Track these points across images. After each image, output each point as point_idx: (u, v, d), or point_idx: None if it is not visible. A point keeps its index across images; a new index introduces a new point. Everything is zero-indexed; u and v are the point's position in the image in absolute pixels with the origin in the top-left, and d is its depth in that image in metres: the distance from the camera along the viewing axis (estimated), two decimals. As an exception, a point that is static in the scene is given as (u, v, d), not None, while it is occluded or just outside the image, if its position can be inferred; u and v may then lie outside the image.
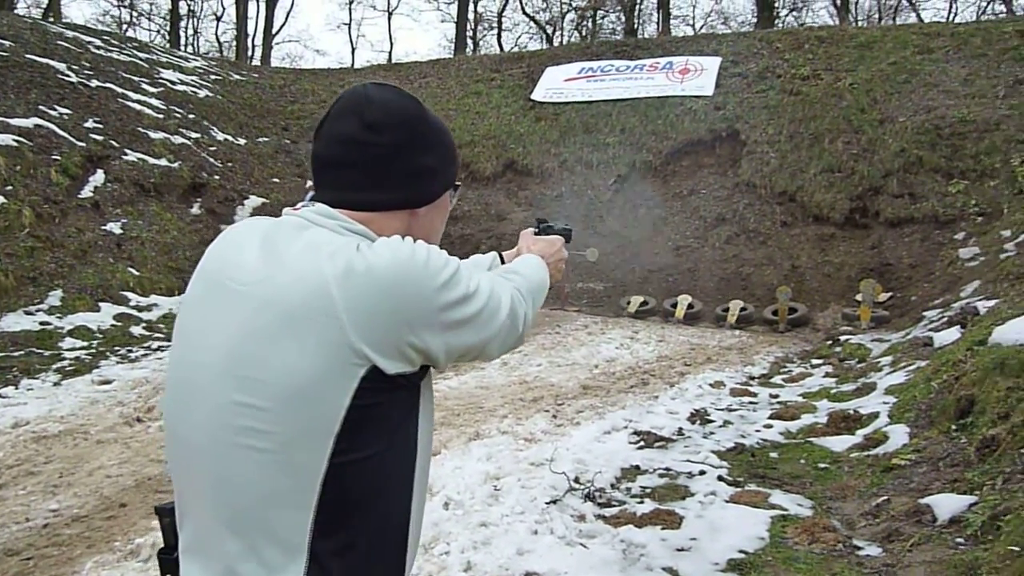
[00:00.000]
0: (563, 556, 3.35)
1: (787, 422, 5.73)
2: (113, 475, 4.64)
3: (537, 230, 1.56)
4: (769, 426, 5.69)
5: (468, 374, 7.52)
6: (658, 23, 33.01)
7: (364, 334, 0.92)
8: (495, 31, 38.19)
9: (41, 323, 8.62)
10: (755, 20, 28.59)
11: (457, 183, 1.18)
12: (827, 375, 7.53)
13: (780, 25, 28.93)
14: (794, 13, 33.24)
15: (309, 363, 0.90)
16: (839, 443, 4.99)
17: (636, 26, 33.44)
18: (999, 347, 4.62)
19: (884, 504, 3.76)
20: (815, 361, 8.36)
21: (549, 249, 1.49)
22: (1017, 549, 2.81)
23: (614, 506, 4.07)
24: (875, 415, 5.30)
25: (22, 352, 7.83)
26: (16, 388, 6.59)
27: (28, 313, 8.74)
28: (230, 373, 0.94)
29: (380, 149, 1.04)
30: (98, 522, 3.97)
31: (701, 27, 36.41)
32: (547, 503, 3.98)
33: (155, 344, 8.70)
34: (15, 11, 23.64)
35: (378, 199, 1.07)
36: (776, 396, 6.76)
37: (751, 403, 6.51)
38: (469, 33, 35.71)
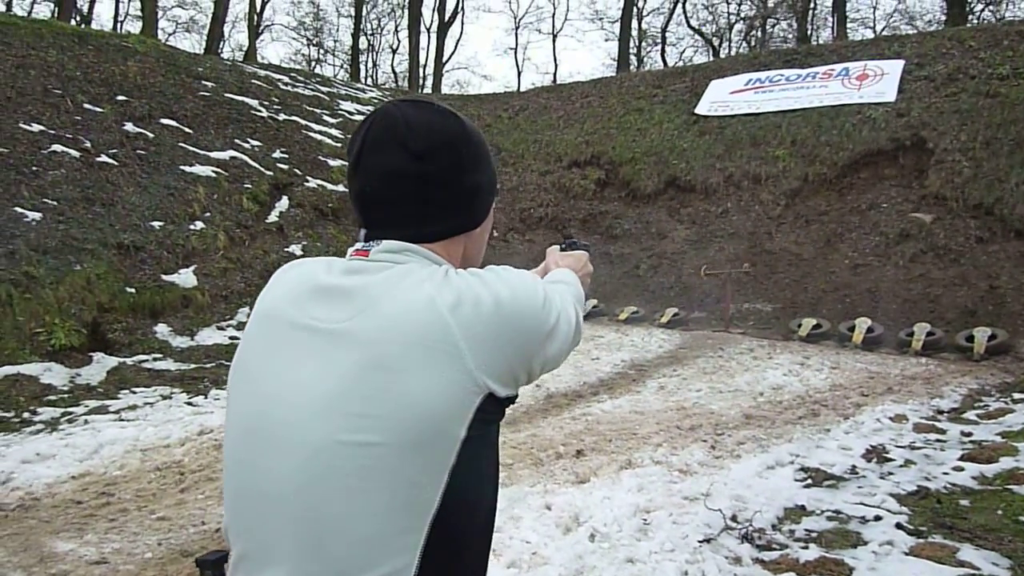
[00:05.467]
0: (715, 603, 3.14)
1: (982, 465, 5.09)
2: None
3: (564, 246, 1.60)
4: (960, 468, 5.07)
5: (623, 398, 7.35)
6: (833, 28, 31.19)
7: (485, 365, 0.92)
8: (659, 47, 37.68)
9: (231, 338, 9.42)
10: (944, 18, 26.26)
11: (496, 186, 1.17)
12: (1033, 412, 6.64)
13: (974, 21, 26.37)
14: (990, 8, 30.12)
15: (431, 394, 0.89)
16: (1047, 493, 4.36)
17: (809, 32, 31.77)
18: None
19: (1104, 571, 3.22)
20: (1017, 395, 7.41)
21: (577, 264, 1.51)
22: None
23: (774, 550, 3.78)
24: (1093, 463, 4.59)
25: (213, 364, 8.58)
26: (205, 397, 7.22)
27: (220, 328, 9.59)
28: (335, 411, 0.89)
29: (435, 179, 1.01)
30: (265, 531, 4.21)
31: (882, 29, 33.92)
32: (700, 542, 3.76)
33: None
34: (220, 55, 26.29)
35: (442, 228, 1.05)
36: (969, 434, 6.04)
37: (938, 441, 5.86)
38: (633, 50, 35.51)
